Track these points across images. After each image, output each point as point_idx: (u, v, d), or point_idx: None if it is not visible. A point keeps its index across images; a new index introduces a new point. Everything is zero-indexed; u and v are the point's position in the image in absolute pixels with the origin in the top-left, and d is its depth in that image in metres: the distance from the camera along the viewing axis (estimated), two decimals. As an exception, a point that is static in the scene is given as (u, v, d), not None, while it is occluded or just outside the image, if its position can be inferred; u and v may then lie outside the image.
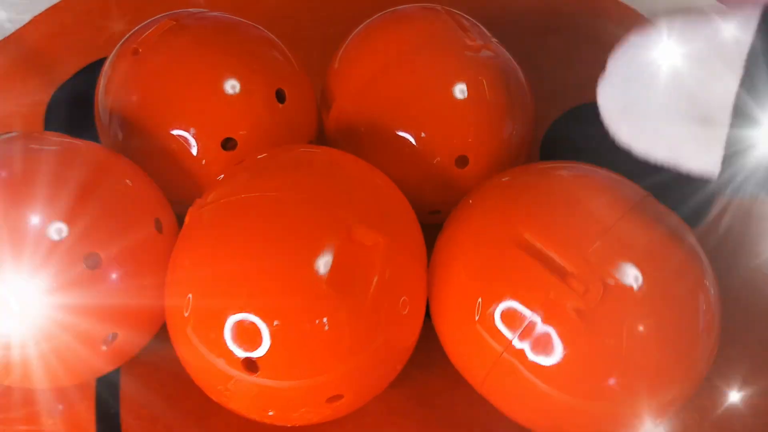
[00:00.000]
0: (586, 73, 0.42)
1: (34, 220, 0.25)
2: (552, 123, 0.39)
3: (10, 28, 0.42)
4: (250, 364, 0.25)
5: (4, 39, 0.41)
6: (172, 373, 0.30)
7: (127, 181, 0.29)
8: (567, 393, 0.25)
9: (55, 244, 0.25)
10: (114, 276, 0.26)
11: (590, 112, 0.41)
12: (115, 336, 0.27)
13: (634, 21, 0.44)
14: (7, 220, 0.25)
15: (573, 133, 0.39)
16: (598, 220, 0.26)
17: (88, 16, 0.43)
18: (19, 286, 0.25)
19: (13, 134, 0.28)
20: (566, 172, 0.29)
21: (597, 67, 0.43)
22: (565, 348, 0.25)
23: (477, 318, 0.26)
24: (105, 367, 0.29)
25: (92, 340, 0.27)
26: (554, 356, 0.25)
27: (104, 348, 0.27)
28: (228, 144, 0.31)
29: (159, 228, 0.28)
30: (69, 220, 0.26)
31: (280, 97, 0.32)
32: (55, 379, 0.28)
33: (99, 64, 0.38)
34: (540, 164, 0.31)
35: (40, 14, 0.43)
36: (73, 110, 0.39)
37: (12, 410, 0.30)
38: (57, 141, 0.28)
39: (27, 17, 0.42)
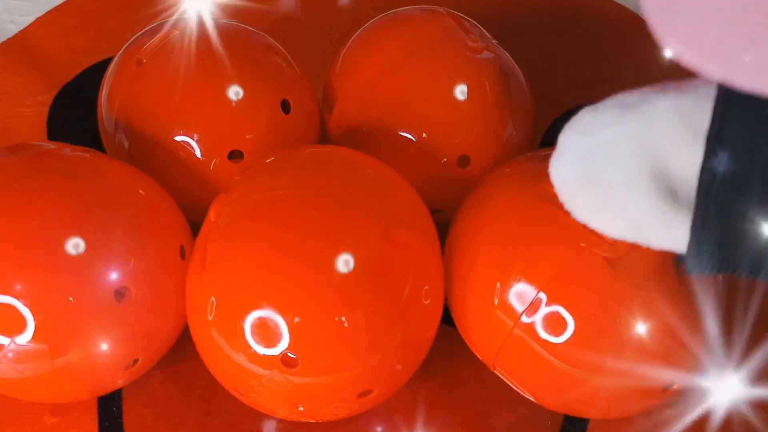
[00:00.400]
0: (586, 73, 0.42)
1: (68, 250, 0.25)
2: (551, 123, 0.39)
3: (12, 29, 0.42)
4: (283, 361, 0.25)
5: (6, 40, 0.42)
6: (174, 371, 0.31)
7: (158, 208, 0.29)
8: (581, 364, 0.26)
9: (86, 278, 0.26)
10: (141, 308, 0.27)
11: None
12: (136, 361, 0.28)
13: (632, 22, 0.44)
14: (44, 252, 0.25)
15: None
16: None
17: (90, 17, 0.43)
18: (49, 317, 0.25)
19: (52, 146, 0.28)
20: None
21: (596, 67, 0.43)
22: (580, 318, 0.25)
23: (497, 290, 0.27)
24: (121, 385, 0.30)
25: (115, 367, 0.27)
26: (567, 331, 0.25)
27: (125, 372, 0.28)
28: (234, 155, 0.31)
29: (183, 255, 0.28)
30: (103, 253, 0.26)
31: (286, 107, 0.32)
32: (75, 397, 0.29)
33: (102, 65, 0.38)
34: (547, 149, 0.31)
35: (43, 16, 0.43)
36: (75, 111, 0.39)
37: (16, 408, 0.30)
38: (90, 161, 0.28)
39: (29, 19, 0.43)
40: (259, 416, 0.29)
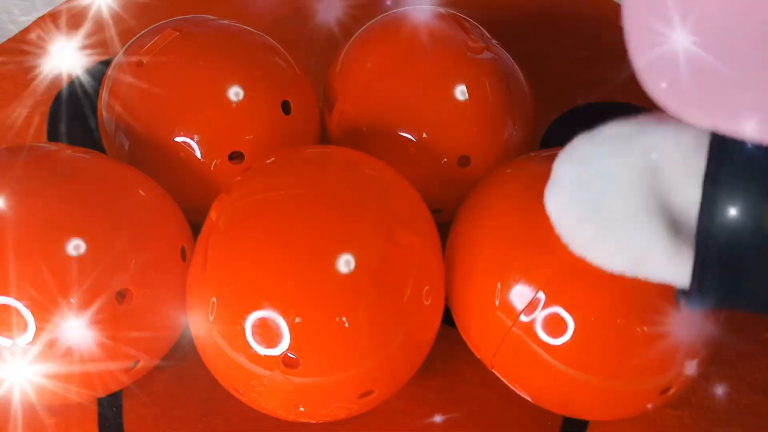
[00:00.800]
0: (586, 73, 0.42)
1: (69, 252, 0.25)
2: (551, 123, 0.39)
3: (12, 29, 0.42)
4: (284, 362, 0.25)
5: (6, 41, 0.42)
6: (174, 372, 0.30)
7: (159, 209, 0.29)
8: (581, 365, 0.26)
9: (88, 281, 0.25)
10: (143, 309, 0.27)
11: (589, 112, 0.42)
12: (137, 363, 0.28)
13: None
14: (45, 254, 0.25)
15: (572, 133, 0.39)
16: None
17: (90, 17, 0.43)
18: (50, 319, 0.25)
19: (53, 148, 0.28)
20: None
21: (596, 67, 0.43)
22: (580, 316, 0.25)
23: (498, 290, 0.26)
24: (122, 386, 0.29)
25: (117, 368, 0.27)
26: (568, 332, 0.25)
27: (126, 373, 0.28)
28: (235, 156, 0.31)
29: (184, 257, 0.28)
30: (104, 256, 0.26)
31: (286, 108, 0.32)
32: (75, 399, 0.29)
33: (102, 65, 0.38)
34: (548, 150, 0.31)
35: (43, 16, 0.43)
36: (75, 111, 0.39)
37: (15, 408, 0.30)
38: (91, 162, 0.28)
39: (29, 19, 0.43)
40: (259, 416, 0.29)
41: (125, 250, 0.26)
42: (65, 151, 0.28)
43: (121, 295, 0.26)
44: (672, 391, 0.27)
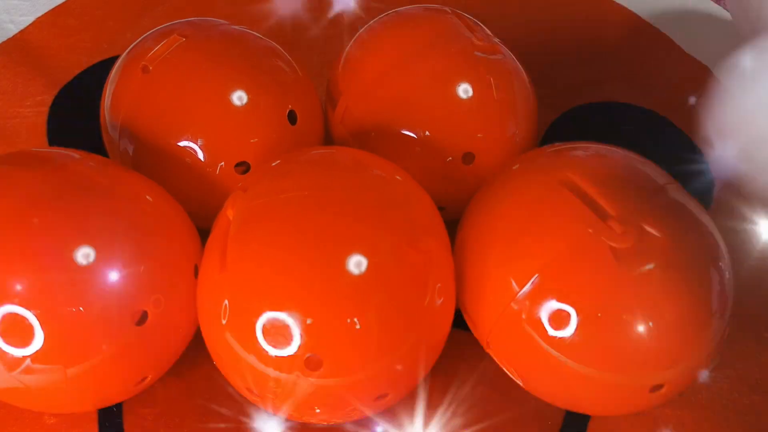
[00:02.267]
0: (586, 73, 0.42)
1: (80, 262, 0.25)
2: (551, 123, 0.39)
3: (12, 29, 0.42)
4: (305, 364, 0.25)
5: (6, 41, 0.42)
6: (174, 372, 0.30)
7: (175, 229, 0.28)
8: (584, 357, 0.26)
9: (107, 302, 0.25)
10: (156, 330, 0.27)
11: (589, 112, 0.42)
12: (145, 378, 0.28)
13: (632, 22, 0.44)
14: (56, 264, 0.25)
15: (572, 133, 0.39)
16: (645, 183, 0.26)
17: (90, 17, 0.43)
18: (60, 333, 0.25)
19: (76, 156, 0.28)
20: (589, 146, 0.29)
21: (596, 67, 0.43)
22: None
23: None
24: (127, 397, 0.30)
25: (124, 384, 0.28)
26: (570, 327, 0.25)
27: (133, 388, 0.28)
28: (241, 166, 0.31)
29: (196, 274, 0.28)
30: (119, 273, 0.26)
31: (292, 118, 0.32)
32: (78, 409, 0.29)
33: (102, 65, 0.38)
34: (552, 145, 0.31)
35: (43, 16, 0.43)
36: (75, 111, 0.39)
37: (16, 408, 0.30)
38: (107, 172, 0.28)
39: (30, 19, 0.43)
40: (259, 416, 0.29)
41: (141, 268, 0.26)
42: (84, 160, 0.28)
43: (136, 316, 0.26)
44: (666, 388, 0.26)
